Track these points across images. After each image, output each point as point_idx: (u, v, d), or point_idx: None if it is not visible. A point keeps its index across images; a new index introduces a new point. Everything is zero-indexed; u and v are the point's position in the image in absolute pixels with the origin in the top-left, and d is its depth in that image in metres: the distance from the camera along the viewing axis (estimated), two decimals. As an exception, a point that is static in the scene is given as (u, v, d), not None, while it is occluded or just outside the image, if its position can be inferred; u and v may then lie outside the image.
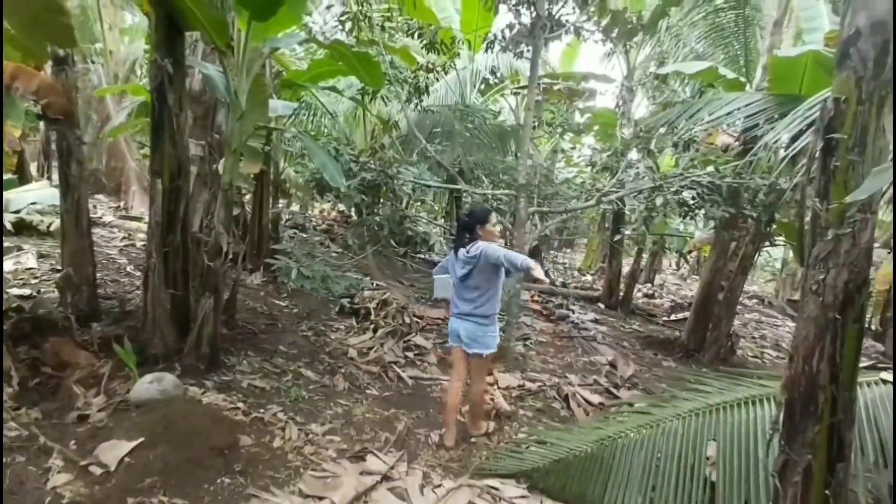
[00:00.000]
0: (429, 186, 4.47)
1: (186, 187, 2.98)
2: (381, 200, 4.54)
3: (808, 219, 1.36)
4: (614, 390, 4.36)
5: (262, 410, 2.93)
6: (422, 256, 7.64)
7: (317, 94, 6.29)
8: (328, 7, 5.33)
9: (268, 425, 2.80)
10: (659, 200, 3.62)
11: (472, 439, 3.09)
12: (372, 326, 4.94)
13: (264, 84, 3.49)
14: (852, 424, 1.49)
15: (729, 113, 4.76)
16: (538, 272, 2.46)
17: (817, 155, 1.29)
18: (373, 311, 5.26)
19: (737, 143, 5.86)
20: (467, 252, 2.79)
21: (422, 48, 4.92)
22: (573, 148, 11.32)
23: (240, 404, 2.91)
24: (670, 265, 17.26)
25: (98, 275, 3.83)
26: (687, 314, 9.68)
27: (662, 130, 5.23)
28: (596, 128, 10.91)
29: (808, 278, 1.35)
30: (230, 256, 3.06)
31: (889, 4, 1.24)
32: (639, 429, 2.51)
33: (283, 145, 6.57)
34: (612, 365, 5.14)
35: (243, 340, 3.98)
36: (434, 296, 3.06)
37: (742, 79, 5.42)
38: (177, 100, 2.74)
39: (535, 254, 4.68)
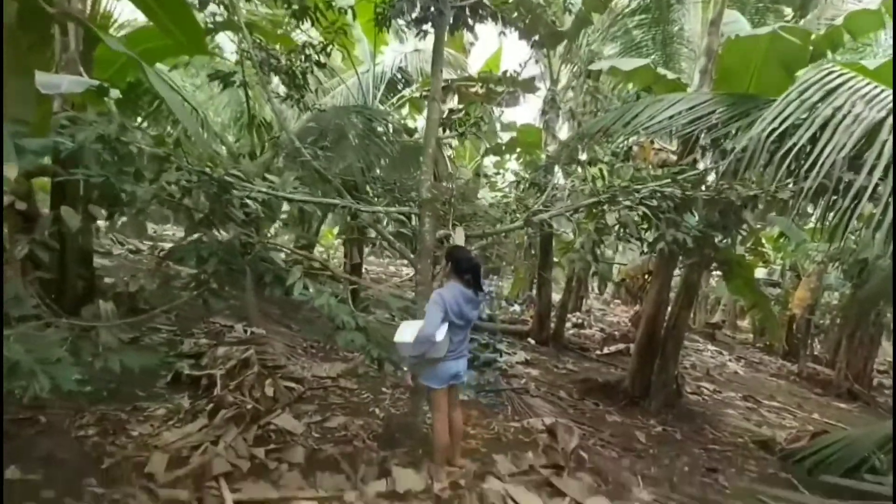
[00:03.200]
0: (291, 201, 3.08)
1: None
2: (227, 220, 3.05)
3: None
4: (558, 481, 3.15)
5: None
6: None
7: (162, 75, 4.68)
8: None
9: None
10: (610, 218, 2.59)
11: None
12: (211, 406, 3.32)
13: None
14: None
15: (671, 116, 3.99)
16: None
17: None
18: (219, 380, 3.65)
19: (674, 156, 5.19)
20: (483, 291, 2.81)
21: (288, 17, 3.62)
22: (497, 173, 10.51)
23: None
24: (593, 290, 17.06)
25: None
26: (619, 346, 9.04)
27: (595, 137, 4.36)
28: (518, 150, 10.23)
29: None
30: None
31: None
32: None
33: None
34: (551, 433, 3.97)
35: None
36: (411, 356, 2.66)
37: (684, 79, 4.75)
38: None
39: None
